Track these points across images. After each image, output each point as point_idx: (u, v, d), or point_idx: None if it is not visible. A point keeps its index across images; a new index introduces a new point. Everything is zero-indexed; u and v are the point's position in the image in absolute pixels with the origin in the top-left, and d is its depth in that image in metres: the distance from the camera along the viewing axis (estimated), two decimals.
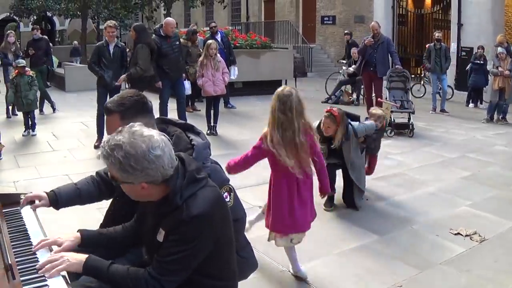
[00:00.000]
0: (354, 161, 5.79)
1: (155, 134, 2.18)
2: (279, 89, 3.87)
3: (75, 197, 2.85)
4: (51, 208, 2.82)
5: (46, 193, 2.79)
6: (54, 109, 12.37)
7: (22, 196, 2.94)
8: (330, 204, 5.92)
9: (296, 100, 3.76)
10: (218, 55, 9.78)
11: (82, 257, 2.24)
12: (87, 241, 2.52)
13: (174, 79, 9.40)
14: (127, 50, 9.61)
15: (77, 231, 2.56)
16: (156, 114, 3.14)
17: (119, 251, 2.71)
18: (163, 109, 9.27)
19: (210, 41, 9.84)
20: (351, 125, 5.61)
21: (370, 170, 6.64)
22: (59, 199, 2.79)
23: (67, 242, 2.44)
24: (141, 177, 2.13)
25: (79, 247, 2.47)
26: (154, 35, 9.31)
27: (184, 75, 10.11)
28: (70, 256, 2.22)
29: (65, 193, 2.82)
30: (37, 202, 2.76)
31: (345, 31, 17.31)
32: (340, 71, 15.38)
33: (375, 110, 6.55)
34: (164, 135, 2.22)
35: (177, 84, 9.51)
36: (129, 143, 2.10)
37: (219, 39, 12.46)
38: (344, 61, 15.39)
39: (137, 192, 2.21)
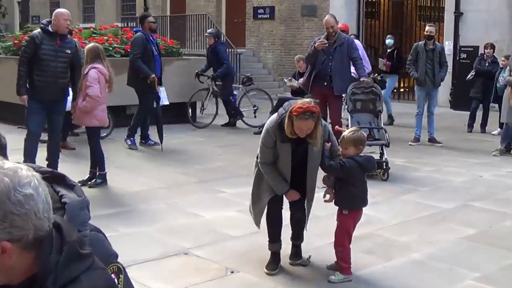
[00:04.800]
0: (314, 170, 6.13)
1: (22, 167, 2.11)
2: None
3: None
4: None
5: None
6: None
7: None
8: (274, 266, 6.26)
9: None
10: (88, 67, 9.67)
11: None
12: None
13: (49, 101, 9.36)
14: None
15: None
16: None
17: None
18: (31, 146, 9.23)
19: None
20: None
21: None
22: None
23: None
24: (2, 231, 2.00)
25: None
26: (39, 30, 9.43)
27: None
28: None
29: None
30: None
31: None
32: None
33: (349, 131, 6.38)
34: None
35: (55, 109, 9.48)
36: None
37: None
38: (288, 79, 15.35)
39: None
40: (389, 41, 16.85)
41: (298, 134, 5.86)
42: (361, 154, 6.25)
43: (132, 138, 12.76)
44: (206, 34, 16.88)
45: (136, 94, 12.73)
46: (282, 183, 6.12)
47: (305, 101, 5.86)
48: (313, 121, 5.80)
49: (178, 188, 9.63)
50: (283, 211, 6.40)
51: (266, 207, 6.32)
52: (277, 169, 6.13)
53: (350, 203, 6.18)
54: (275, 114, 6.13)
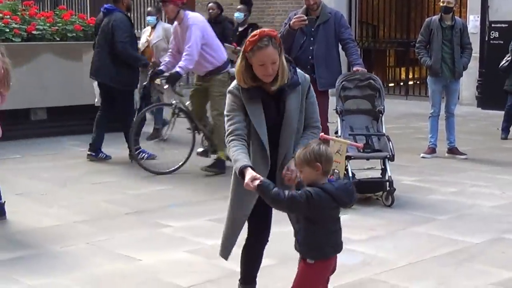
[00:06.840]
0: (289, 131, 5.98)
1: None
2: None
3: None
4: None
5: None
6: None
7: None
8: None
9: None
10: None
11: None
12: None
13: None
14: None
15: None
16: None
17: None
18: None
19: None
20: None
21: None
22: None
23: None
24: None
25: None
26: None
27: None
28: None
29: None
30: None
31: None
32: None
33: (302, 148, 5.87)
34: None
35: None
36: None
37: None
38: None
39: None
40: (237, 14, 16.76)
41: (262, 78, 5.84)
42: (333, 180, 5.72)
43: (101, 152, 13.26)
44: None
45: (116, 94, 13.07)
46: (243, 158, 5.65)
47: (256, 31, 5.94)
48: (275, 49, 5.83)
49: (104, 221, 9.55)
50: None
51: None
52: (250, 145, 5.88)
53: (317, 251, 5.57)
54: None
